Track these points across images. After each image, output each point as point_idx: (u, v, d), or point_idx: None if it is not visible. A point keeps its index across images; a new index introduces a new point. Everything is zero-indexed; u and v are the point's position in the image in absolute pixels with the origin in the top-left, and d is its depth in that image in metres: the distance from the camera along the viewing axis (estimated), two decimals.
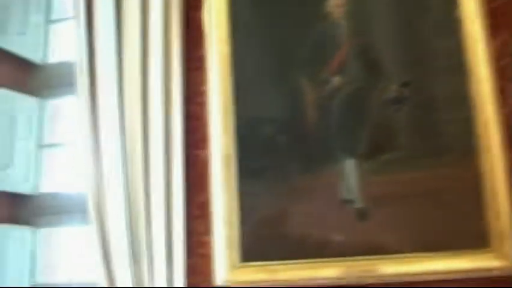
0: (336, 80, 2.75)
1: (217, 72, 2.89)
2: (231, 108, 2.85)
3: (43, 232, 4.07)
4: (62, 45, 4.31)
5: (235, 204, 2.77)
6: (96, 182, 2.81)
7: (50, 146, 4.16)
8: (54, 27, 4.28)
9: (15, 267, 3.91)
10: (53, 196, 4.05)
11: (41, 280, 3.99)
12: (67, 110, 4.23)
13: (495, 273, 2.58)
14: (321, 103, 2.80)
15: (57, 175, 4.20)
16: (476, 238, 2.63)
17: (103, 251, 2.78)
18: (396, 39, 2.84)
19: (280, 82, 2.85)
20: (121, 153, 2.83)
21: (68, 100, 4.16)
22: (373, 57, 2.80)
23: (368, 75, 2.78)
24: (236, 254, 2.73)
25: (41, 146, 4.13)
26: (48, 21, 4.27)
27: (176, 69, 2.89)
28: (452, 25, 2.77)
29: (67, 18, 4.12)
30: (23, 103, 4.05)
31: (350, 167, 2.71)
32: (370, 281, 2.63)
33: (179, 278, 2.72)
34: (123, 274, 2.72)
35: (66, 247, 4.09)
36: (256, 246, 2.75)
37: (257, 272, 2.73)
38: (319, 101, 2.81)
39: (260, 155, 2.80)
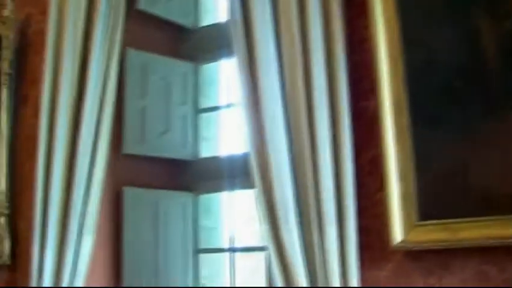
0: None
1: (382, 15, 2.62)
2: (398, 53, 2.57)
3: (204, 198, 3.99)
4: (213, 8, 4.20)
5: (409, 158, 2.49)
6: (259, 143, 2.64)
7: (207, 110, 4.06)
8: None
9: (178, 233, 3.86)
10: (213, 161, 3.96)
11: (204, 246, 3.92)
12: (222, 73, 4.12)
13: None
14: (502, 42, 2.45)
15: (215, 139, 4.11)
16: None
17: (269, 214, 2.60)
18: None
19: (452, 21, 2.52)
20: (283, 111, 2.63)
21: (222, 63, 4.05)
22: None
23: None
24: (413, 212, 2.48)
25: (197, 111, 4.03)
26: None
27: (337, 16, 2.64)
28: None
29: None
30: (178, 69, 3.98)
31: None
32: None
33: (351, 240, 2.51)
34: (291, 238, 2.54)
35: (227, 212, 3.99)
36: (435, 202, 2.47)
37: (437, 232, 2.46)
38: (499, 39, 2.46)
39: (435, 103, 2.51)
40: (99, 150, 3.25)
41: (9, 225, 3.63)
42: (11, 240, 3.61)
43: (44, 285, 3.21)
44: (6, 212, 3.62)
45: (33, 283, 3.24)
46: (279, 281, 2.61)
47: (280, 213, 2.59)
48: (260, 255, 4.01)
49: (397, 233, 2.49)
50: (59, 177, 3.27)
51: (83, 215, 3.22)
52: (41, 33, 3.58)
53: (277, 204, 2.60)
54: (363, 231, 2.54)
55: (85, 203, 3.23)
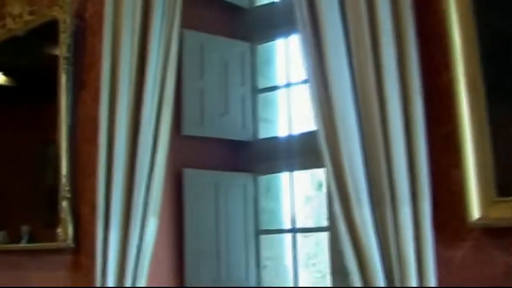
0: None
1: None
2: (472, 26, 2.46)
3: (264, 179, 3.94)
4: None
5: (485, 132, 2.39)
6: (328, 121, 2.56)
7: (265, 90, 4.01)
8: None
9: (239, 215, 3.82)
10: (272, 141, 3.91)
11: (265, 227, 3.88)
12: (279, 52, 4.06)
13: None
14: None
15: (274, 120, 4.05)
16: None
17: (340, 194, 2.53)
18: None
19: None
20: (352, 88, 2.55)
21: (279, 42, 3.99)
22: None
23: None
24: (491, 188, 2.37)
25: (255, 91, 3.98)
26: None
27: None
28: None
29: None
30: (235, 49, 3.93)
31: None
32: None
33: (426, 218, 2.42)
34: (363, 217, 2.46)
35: (287, 193, 3.94)
36: None
37: None
38: None
39: (511, 76, 2.40)
40: (161, 131, 3.21)
41: (71, 208, 3.63)
42: (73, 223, 3.61)
43: (109, 267, 3.19)
44: (68, 195, 3.62)
45: (98, 265, 3.23)
46: (351, 261, 2.53)
47: (351, 192, 2.51)
48: (321, 236, 3.98)
49: (475, 209, 2.39)
50: (122, 160, 3.25)
51: (146, 197, 3.19)
52: (98, 16, 3.57)
53: (348, 183, 2.52)
54: (438, 208, 2.45)
55: (148, 185, 3.20)
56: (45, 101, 3.99)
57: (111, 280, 3.19)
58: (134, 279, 3.17)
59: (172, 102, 3.28)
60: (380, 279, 2.45)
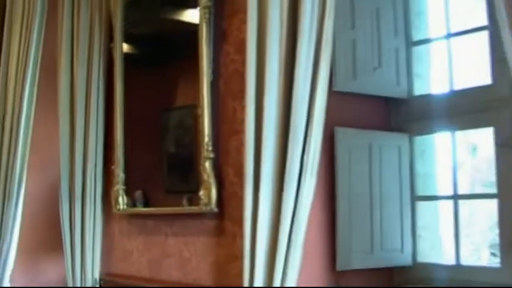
0: None
1: None
2: None
3: (418, 140, 3.53)
4: None
5: None
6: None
7: (419, 43, 3.58)
8: None
9: (394, 179, 3.43)
10: (427, 99, 3.49)
11: (420, 193, 3.47)
12: (432, 2, 3.62)
13: None
14: None
15: (428, 75, 3.63)
16: None
17: None
18: None
19: None
20: None
21: None
22: None
23: None
24: None
25: (409, 44, 3.55)
26: None
27: None
28: None
29: None
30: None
31: None
32: None
33: None
34: None
35: (443, 156, 3.52)
36: None
37: None
38: None
39: None
40: (318, 86, 2.82)
41: (214, 170, 3.32)
42: (217, 186, 3.31)
43: (259, 234, 2.86)
44: (211, 155, 3.32)
45: (246, 232, 2.91)
46: None
47: None
48: (476, 205, 3.56)
49: None
50: (273, 117, 2.89)
51: (303, 156, 2.83)
52: None
53: None
54: None
55: (304, 144, 2.83)
56: (182, 61, 3.75)
57: (262, 248, 2.85)
58: (288, 247, 2.82)
59: (330, 54, 2.88)
60: None
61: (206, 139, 3.33)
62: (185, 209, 3.51)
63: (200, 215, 3.41)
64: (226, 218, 3.29)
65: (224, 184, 3.31)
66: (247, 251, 2.90)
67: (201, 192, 3.32)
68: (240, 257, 3.14)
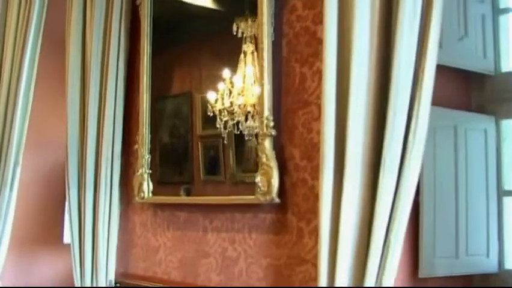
0: None
1: None
2: None
3: (505, 124, 2.94)
4: None
5: None
6: None
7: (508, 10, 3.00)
8: None
9: (479, 169, 2.83)
10: None
11: (506, 187, 2.89)
12: None
13: None
14: None
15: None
16: None
17: None
18: None
19: None
20: None
21: None
22: None
23: None
24: None
25: (497, 12, 2.96)
26: None
27: None
28: None
29: None
30: None
31: None
32: None
33: None
34: None
35: None
36: None
37: None
38: None
39: None
40: (428, 49, 2.20)
41: (276, 150, 2.66)
42: (279, 170, 2.65)
43: (342, 231, 2.23)
44: (272, 133, 2.66)
45: (324, 228, 2.26)
46: None
47: None
48: None
49: None
50: (363, 86, 2.27)
51: (405, 137, 2.19)
52: None
53: None
54: None
55: (409, 121, 2.20)
56: None
57: (346, 250, 2.22)
58: (385, 248, 2.19)
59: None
60: None
61: (266, 112, 2.66)
62: (233, 199, 2.83)
63: (253, 207, 2.75)
64: (290, 210, 2.63)
65: (287, 168, 2.65)
66: (325, 253, 2.25)
67: (258, 179, 2.66)
68: (308, 260, 2.52)
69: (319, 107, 2.42)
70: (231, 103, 2.81)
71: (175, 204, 3.13)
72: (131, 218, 3.39)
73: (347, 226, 2.24)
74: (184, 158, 3.14)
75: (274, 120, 2.66)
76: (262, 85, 2.69)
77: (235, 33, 2.84)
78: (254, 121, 2.75)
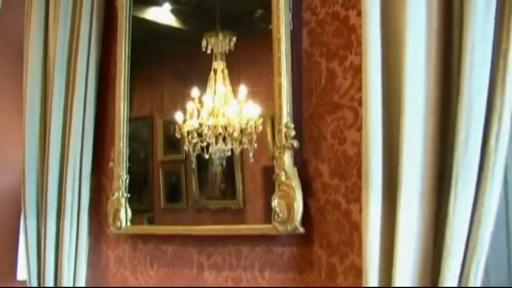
0: None
1: None
2: None
3: None
4: None
5: None
6: None
7: None
8: None
9: None
10: None
11: None
12: None
13: None
14: None
15: None
16: None
17: None
18: None
19: None
20: None
21: None
22: None
23: None
24: None
25: None
26: None
27: None
28: None
29: None
30: None
31: None
32: None
33: None
34: None
35: None
36: None
37: None
38: None
39: None
40: None
41: (298, 166, 2.06)
42: (302, 193, 2.05)
43: (398, 272, 1.64)
44: (293, 144, 2.06)
45: (369, 264, 1.69)
46: None
47: None
48: None
49: None
50: (421, 81, 1.74)
51: (483, 145, 1.64)
52: None
53: None
54: None
55: (488, 119, 1.66)
56: None
57: None
58: None
59: None
60: None
61: (285, 119, 2.07)
62: (241, 228, 2.22)
63: (265, 239, 2.14)
64: (318, 242, 2.03)
65: (313, 189, 2.05)
66: None
67: (275, 202, 2.05)
68: None
69: (354, 111, 1.96)
70: (200, 124, 2.31)
71: (161, 235, 2.49)
72: (104, 252, 2.74)
73: (403, 267, 1.66)
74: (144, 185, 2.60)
75: (296, 130, 2.07)
76: (279, 84, 2.10)
77: (204, 49, 2.40)
78: (226, 143, 2.27)
